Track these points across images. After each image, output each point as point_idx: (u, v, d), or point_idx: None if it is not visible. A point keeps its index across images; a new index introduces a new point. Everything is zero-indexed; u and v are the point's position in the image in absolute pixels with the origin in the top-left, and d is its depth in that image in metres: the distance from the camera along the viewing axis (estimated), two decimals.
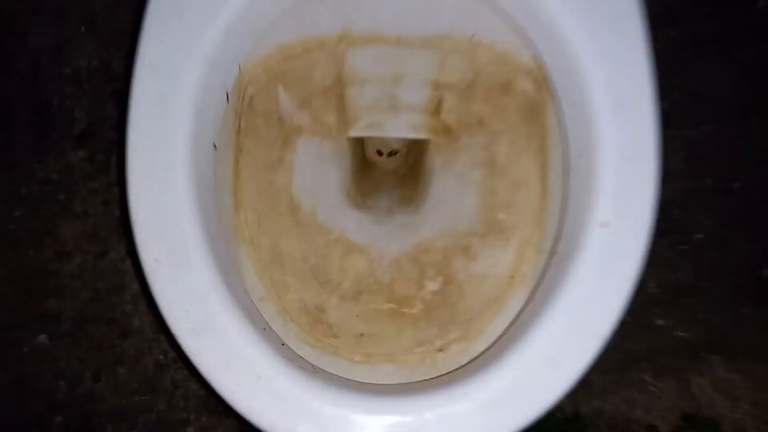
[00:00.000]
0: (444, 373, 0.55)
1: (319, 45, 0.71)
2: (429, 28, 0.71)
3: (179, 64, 0.51)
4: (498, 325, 0.64)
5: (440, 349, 0.65)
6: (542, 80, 0.66)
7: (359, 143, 0.84)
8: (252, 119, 0.71)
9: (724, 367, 0.96)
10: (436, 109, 0.76)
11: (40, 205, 1.00)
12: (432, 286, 0.70)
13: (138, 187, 0.50)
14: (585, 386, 0.97)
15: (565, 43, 0.54)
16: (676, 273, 1.00)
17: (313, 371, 0.54)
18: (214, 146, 0.56)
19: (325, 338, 0.66)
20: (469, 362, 0.55)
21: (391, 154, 0.90)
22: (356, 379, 0.60)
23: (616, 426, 0.95)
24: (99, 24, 1.08)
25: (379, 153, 0.90)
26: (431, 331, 0.67)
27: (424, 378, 0.59)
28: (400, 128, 0.77)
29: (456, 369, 0.54)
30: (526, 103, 0.71)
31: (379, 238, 0.74)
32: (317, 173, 0.75)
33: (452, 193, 0.75)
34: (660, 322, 0.98)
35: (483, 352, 0.58)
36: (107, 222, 1.00)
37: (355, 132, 0.76)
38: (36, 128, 1.04)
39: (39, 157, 1.02)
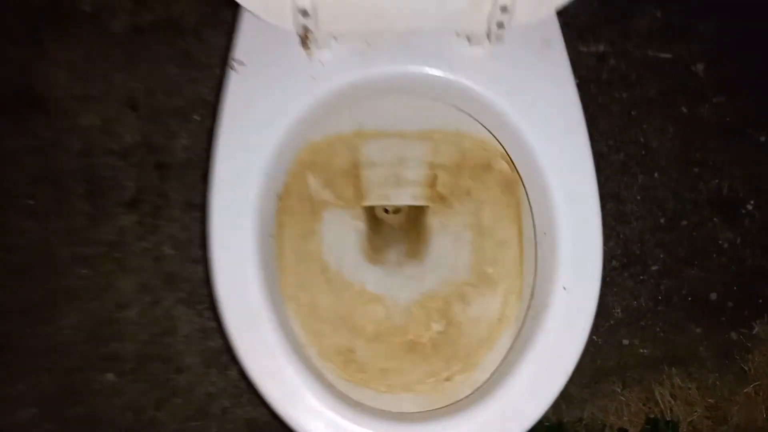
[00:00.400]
0: (452, 402, 0.71)
1: (339, 140, 0.88)
2: (423, 125, 0.88)
3: (244, 179, 0.68)
4: (492, 358, 0.80)
5: (447, 379, 0.82)
6: (513, 165, 0.83)
7: (371, 209, 1.00)
8: (288, 200, 0.87)
9: (680, 378, 1.12)
10: (432, 183, 0.92)
11: (100, 263, 1.16)
12: (437, 327, 0.87)
13: (221, 272, 0.66)
14: (566, 398, 1.12)
15: (528, 149, 0.70)
16: (638, 300, 1.16)
17: (353, 403, 0.69)
18: (271, 236, 0.72)
19: (356, 374, 0.82)
20: (471, 392, 0.71)
21: (396, 211, 1.06)
22: (382, 407, 0.76)
23: (593, 430, 1.11)
24: (139, 105, 1.23)
25: (386, 211, 1.06)
26: (439, 364, 0.84)
27: (436, 404, 0.75)
28: (404, 198, 0.94)
29: (461, 399, 0.70)
30: (503, 179, 0.88)
31: (392, 288, 0.91)
32: (340, 238, 0.91)
33: (449, 249, 0.91)
34: (626, 342, 1.15)
35: (482, 382, 0.74)
36: (158, 275, 1.16)
37: (369, 202, 0.93)
38: (91, 197, 1.19)
39: (96, 222, 1.18)
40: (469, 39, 0.70)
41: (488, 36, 0.67)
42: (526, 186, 0.77)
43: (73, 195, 1.19)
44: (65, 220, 1.18)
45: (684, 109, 1.25)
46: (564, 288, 0.66)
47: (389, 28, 0.68)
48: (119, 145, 1.21)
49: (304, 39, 0.66)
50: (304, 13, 0.62)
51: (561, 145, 0.70)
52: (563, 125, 0.71)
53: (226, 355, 1.13)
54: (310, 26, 0.64)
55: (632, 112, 1.25)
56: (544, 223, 0.71)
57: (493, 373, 0.71)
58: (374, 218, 1.02)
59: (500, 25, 0.65)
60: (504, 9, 0.63)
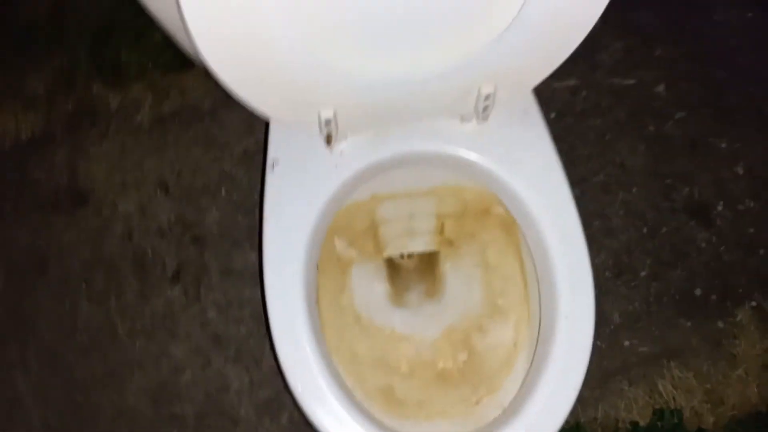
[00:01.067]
0: (484, 422, 0.81)
1: (357, 206, 0.99)
2: (428, 184, 0.99)
3: (290, 259, 0.79)
4: (512, 379, 0.91)
5: (476, 403, 0.92)
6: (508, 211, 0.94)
7: (390, 259, 1.11)
8: (321, 263, 0.98)
9: (679, 369, 1.22)
10: (441, 230, 1.04)
11: (154, 334, 1.27)
12: (462, 357, 0.98)
13: (280, 338, 0.77)
14: (580, 400, 1.22)
15: (520, 201, 0.82)
16: (632, 304, 1.27)
17: None
18: (316, 302, 0.84)
19: (397, 408, 0.93)
20: (499, 412, 0.81)
21: (410, 256, 1.18)
22: None
23: (608, 427, 1.20)
24: (170, 187, 1.35)
25: (402, 256, 1.17)
26: (467, 390, 0.94)
27: (470, 426, 0.85)
28: (417, 246, 1.05)
29: (492, 421, 0.81)
30: (501, 221, 0.99)
31: (417, 327, 1.01)
32: (367, 289, 1.02)
33: (462, 287, 1.02)
34: (627, 343, 1.25)
35: (507, 402, 0.84)
36: (206, 339, 1.26)
37: (388, 253, 1.04)
38: (138, 275, 1.30)
39: (145, 297, 1.29)
40: (460, 118, 0.81)
41: (476, 115, 0.79)
42: (522, 229, 0.88)
43: (123, 275, 1.30)
44: (119, 299, 1.28)
45: (651, 128, 1.37)
46: (566, 317, 0.77)
47: (395, 122, 0.80)
48: (157, 225, 1.33)
49: (328, 139, 0.78)
50: (328, 122, 0.74)
51: (547, 195, 0.81)
52: (546, 178, 0.82)
53: (275, 403, 1.23)
54: (332, 130, 0.76)
55: (606, 136, 1.36)
56: (541, 260, 0.82)
57: (515, 395, 0.82)
58: (394, 266, 1.14)
59: (485, 109, 0.76)
60: (487, 97, 0.74)
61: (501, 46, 0.67)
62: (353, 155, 0.82)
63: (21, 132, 1.38)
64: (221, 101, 1.38)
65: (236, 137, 1.37)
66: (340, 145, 0.82)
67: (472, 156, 0.82)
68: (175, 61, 1.39)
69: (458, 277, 1.03)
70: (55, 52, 1.42)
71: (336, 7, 0.61)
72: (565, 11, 0.64)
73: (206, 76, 1.26)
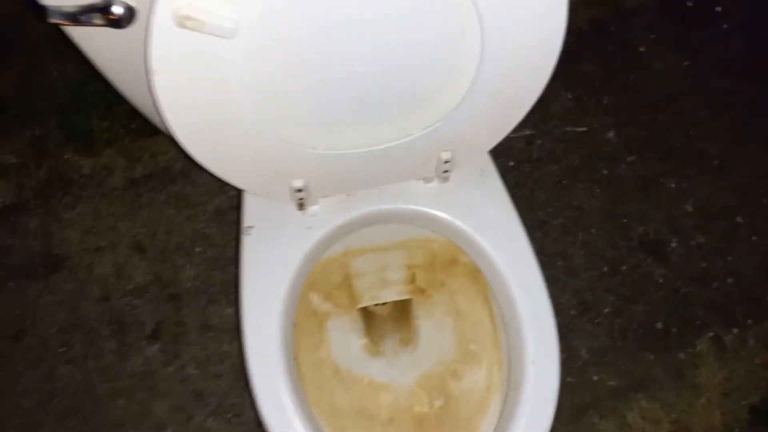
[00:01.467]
0: None
1: (331, 261, 1.03)
2: (398, 238, 1.04)
3: (268, 320, 0.82)
4: (487, 422, 0.95)
5: None
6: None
7: (365, 309, 1.15)
8: (298, 318, 1.01)
9: (646, 401, 1.27)
10: (412, 280, 1.08)
11: (134, 393, 1.27)
12: (438, 402, 1.01)
13: (261, 397, 0.80)
14: None
15: (483, 253, 0.87)
16: (598, 340, 1.32)
17: None
18: (294, 359, 0.87)
19: None
20: None
21: (384, 303, 1.21)
22: None
23: None
24: (146, 247, 1.37)
25: (375, 305, 1.21)
26: None
27: None
28: (390, 295, 1.09)
29: None
30: (469, 270, 1.04)
31: (394, 375, 1.05)
32: (344, 341, 1.05)
33: (435, 334, 1.06)
34: (595, 378, 1.30)
35: None
36: (187, 395, 1.27)
37: (362, 304, 1.08)
38: (117, 336, 1.31)
39: (124, 357, 1.29)
40: (423, 180, 0.87)
41: (437, 177, 0.85)
42: (487, 278, 0.93)
43: (101, 337, 1.31)
44: (97, 360, 1.29)
45: (605, 171, 1.45)
46: (532, 362, 0.81)
47: (363, 186, 0.85)
48: (133, 285, 1.34)
49: (300, 205, 0.82)
50: (299, 189, 0.79)
51: (507, 246, 0.87)
52: (504, 230, 0.88)
53: None
54: (304, 197, 0.80)
55: (563, 181, 1.43)
56: (507, 308, 0.87)
57: None
58: (369, 316, 1.17)
59: (445, 171, 0.82)
60: (447, 161, 0.80)
61: (456, 118, 0.72)
62: (325, 216, 0.86)
63: None
64: (192, 163, 1.41)
65: (208, 196, 1.40)
66: (312, 208, 0.86)
67: (436, 213, 0.87)
68: (145, 127, 1.43)
69: (431, 325, 1.07)
70: (25, 124, 1.44)
71: (302, 92, 0.66)
72: (513, 83, 0.71)
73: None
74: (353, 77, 0.66)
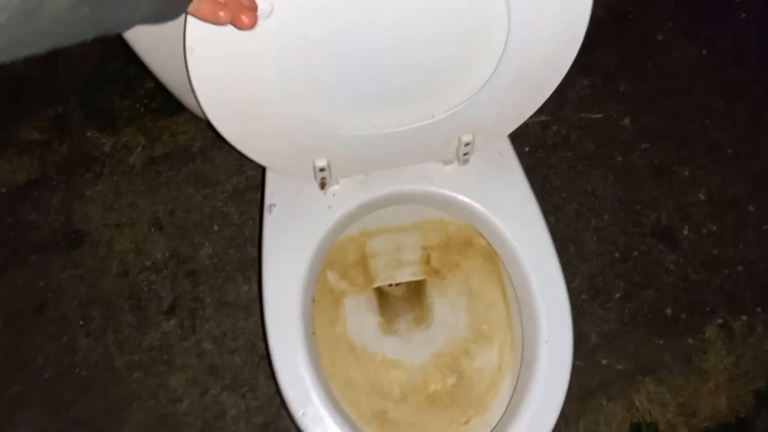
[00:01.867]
0: None
1: (349, 240, 1.06)
2: (414, 219, 1.06)
3: (289, 297, 0.84)
4: (499, 400, 0.97)
5: (465, 423, 0.98)
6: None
7: (379, 289, 1.17)
8: (316, 296, 1.04)
9: (653, 384, 1.29)
10: (427, 260, 1.10)
11: (151, 366, 1.30)
12: (451, 380, 1.03)
13: (281, 370, 0.82)
14: (562, 416, 1.28)
15: (499, 234, 0.89)
16: (608, 325, 1.34)
17: None
18: (313, 333, 0.89)
19: (392, 430, 0.98)
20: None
21: (398, 284, 1.24)
22: None
23: None
24: (164, 224, 1.40)
25: (390, 285, 1.23)
26: (457, 411, 1.00)
27: None
28: (405, 275, 1.11)
29: None
30: (483, 252, 1.06)
31: (408, 354, 1.07)
32: (359, 318, 1.08)
33: (448, 314, 1.09)
34: (604, 362, 1.32)
35: (495, 421, 0.90)
36: (202, 369, 1.30)
37: (377, 284, 1.10)
38: (135, 311, 1.34)
39: (142, 331, 1.33)
40: (443, 162, 0.88)
41: (457, 159, 0.86)
42: (503, 260, 0.95)
43: (119, 311, 1.34)
44: (116, 334, 1.32)
45: (619, 158, 1.46)
46: (546, 341, 0.83)
47: (383, 167, 0.86)
48: (152, 262, 1.37)
49: (322, 184, 0.84)
50: (322, 169, 0.80)
51: (523, 229, 0.88)
52: (522, 213, 0.89)
53: (271, 429, 1.27)
54: (326, 176, 0.82)
55: (577, 167, 1.44)
56: (521, 287, 0.89)
57: (502, 414, 0.88)
58: (383, 296, 1.19)
59: (465, 154, 0.84)
60: (467, 144, 0.81)
61: (478, 102, 0.74)
62: (345, 196, 0.88)
63: (16, 176, 1.42)
64: (211, 142, 1.44)
65: (227, 175, 1.42)
66: (333, 188, 0.88)
67: (454, 195, 0.89)
68: (165, 106, 1.45)
69: (444, 305, 1.09)
70: (48, 102, 1.47)
71: (329, 71, 0.68)
72: (535, 69, 0.72)
73: (196, 119, 1.32)
74: (380, 60, 0.67)
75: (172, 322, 1.33)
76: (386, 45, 0.66)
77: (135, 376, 1.30)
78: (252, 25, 0.49)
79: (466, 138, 0.81)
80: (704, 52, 1.53)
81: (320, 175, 0.82)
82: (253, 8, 0.50)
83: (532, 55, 0.69)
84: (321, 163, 0.80)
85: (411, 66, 0.69)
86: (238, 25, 0.49)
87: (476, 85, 0.72)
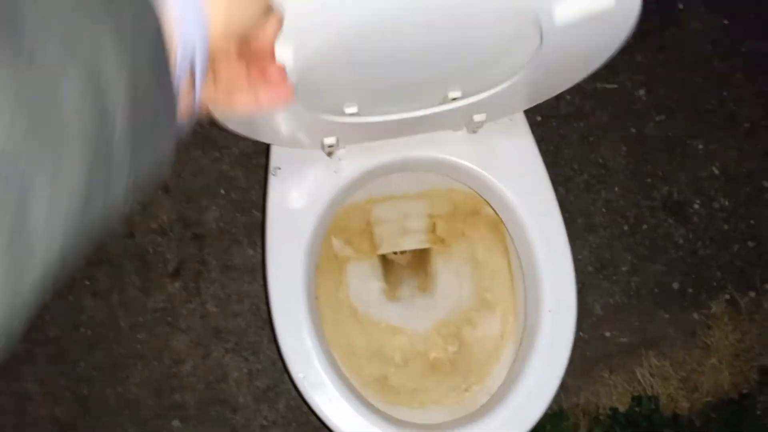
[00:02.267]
0: (474, 408, 0.88)
1: (354, 207, 1.05)
2: (421, 187, 1.05)
3: (292, 260, 0.85)
4: (500, 369, 0.98)
5: (466, 390, 0.99)
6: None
7: (384, 256, 1.17)
8: (320, 261, 1.04)
9: (656, 358, 1.30)
10: (433, 229, 1.10)
11: (156, 327, 1.32)
12: (452, 348, 1.04)
13: (283, 333, 0.83)
14: (563, 387, 1.30)
15: (506, 203, 0.88)
16: (613, 297, 1.34)
17: (395, 421, 0.86)
18: (316, 298, 0.90)
19: (392, 396, 0.99)
20: (487, 399, 0.88)
21: (403, 252, 1.24)
22: (417, 421, 0.93)
23: (589, 412, 1.28)
24: (171, 188, 1.40)
25: (395, 253, 1.23)
26: (457, 379, 1.01)
27: (460, 412, 0.92)
28: (410, 243, 1.11)
29: (480, 407, 0.87)
30: (490, 221, 1.06)
31: (411, 320, 1.08)
32: (363, 285, 1.08)
33: (452, 282, 1.09)
34: (607, 334, 1.32)
35: (495, 389, 0.91)
36: (206, 332, 1.32)
37: (382, 251, 1.10)
38: (140, 272, 1.35)
39: (147, 293, 1.34)
40: (452, 129, 0.88)
41: (467, 129, 0.85)
42: (509, 229, 0.95)
43: (125, 272, 1.35)
44: (121, 295, 1.34)
45: (633, 130, 1.44)
46: (549, 311, 0.83)
47: (393, 137, 0.86)
48: (158, 224, 1.38)
49: (329, 153, 0.84)
50: (330, 145, 0.80)
51: (531, 197, 0.88)
52: (531, 181, 0.89)
53: (273, 391, 1.29)
54: (334, 149, 0.82)
55: (590, 138, 1.43)
56: (526, 257, 0.89)
57: (502, 382, 0.88)
58: (388, 263, 1.20)
59: (475, 128, 0.83)
60: (479, 122, 0.81)
61: (501, 93, 0.73)
62: (352, 162, 0.87)
63: None
64: None
65: (234, 139, 1.42)
66: (340, 151, 0.87)
67: (462, 162, 0.88)
68: None
69: (449, 273, 1.09)
70: None
71: (354, 72, 0.66)
72: (563, 71, 0.71)
73: None
74: (405, 56, 0.65)
75: (177, 284, 1.35)
76: (412, 43, 0.63)
77: (139, 336, 1.32)
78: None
79: (478, 117, 0.80)
80: (726, 22, 1.49)
81: (328, 149, 0.81)
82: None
83: (563, 59, 0.68)
84: (330, 140, 0.79)
85: (436, 62, 0.67)
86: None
87: (502, 80, 0.71)
